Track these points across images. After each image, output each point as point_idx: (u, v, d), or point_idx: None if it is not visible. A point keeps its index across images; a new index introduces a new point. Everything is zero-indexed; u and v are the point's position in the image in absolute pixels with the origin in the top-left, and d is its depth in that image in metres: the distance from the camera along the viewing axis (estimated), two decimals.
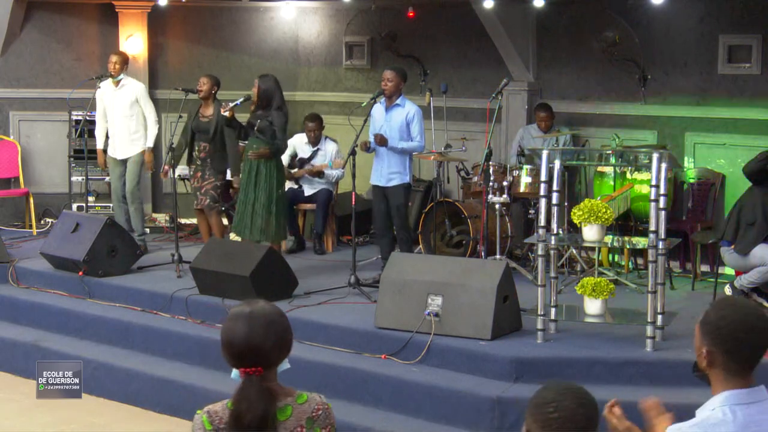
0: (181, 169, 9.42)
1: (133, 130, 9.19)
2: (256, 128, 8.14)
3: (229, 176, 9.04)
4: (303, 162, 9.57)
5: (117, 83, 9.17)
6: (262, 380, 2.83)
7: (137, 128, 9.20)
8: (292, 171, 9.52)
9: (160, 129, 9.46)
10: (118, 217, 9.24)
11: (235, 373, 2.87)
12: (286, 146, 8.57)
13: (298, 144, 9.68)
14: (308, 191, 9.55)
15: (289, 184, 9.31)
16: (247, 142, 8.36)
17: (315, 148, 9.59)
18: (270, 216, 8.12)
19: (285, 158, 9.09)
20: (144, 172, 9.37)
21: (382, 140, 7.94)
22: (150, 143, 9.22)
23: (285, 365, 2.93)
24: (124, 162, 9.22)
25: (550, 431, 2.45)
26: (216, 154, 8.64)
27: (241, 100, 8.28)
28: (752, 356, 2.72)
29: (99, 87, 9.33)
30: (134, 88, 9.23)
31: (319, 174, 9.48)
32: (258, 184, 8.10)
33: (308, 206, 9.59)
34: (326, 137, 9.70)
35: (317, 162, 9.52)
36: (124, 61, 9.23)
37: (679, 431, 2.70)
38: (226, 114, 8.11)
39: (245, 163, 8.22)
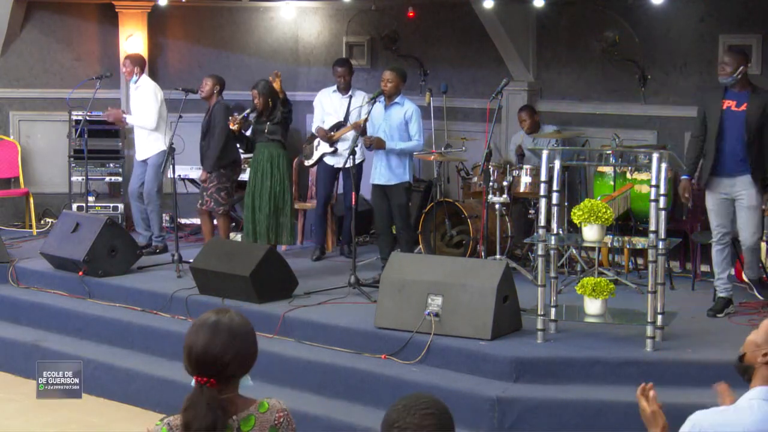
0: (182, 170, 9.42)
1: (149, 131, 9.21)
2: (267, 132, 8.16)
3: (199, 172, 8.85)
4: (339, 126, 8.83)
5: (135, 85, 9.25)
6: (218, 392, 2.80)
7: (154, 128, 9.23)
8: (332, 133, 8.76)
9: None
10: (134, 216, 9.36)
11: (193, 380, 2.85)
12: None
13: (325, 99, 9.07)
14: (336, 161, 8.91)
15: (321, 150, 8.88)
16: (254, 151, 8.33)
17: (348, 95, 9.03)
18: (285, 218, 8.14)
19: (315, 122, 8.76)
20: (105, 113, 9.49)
21: (379, 143, 7.94)
22: (129, 121, 9.33)
23: (247, 381, 2.88)
24: (144, 163, 9.24)
25: None
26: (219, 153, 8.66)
27: (248, 112, 8.27)
28: None
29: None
30: (145, 88, 9.27)
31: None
32: (270, 188, 8.09)
33: (307, 205, 9.59)
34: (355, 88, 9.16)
35: (353, 118, 8.77)
36: (134, 62, 9.27)
37: (708, 412, 2.91)
38: (234, 128, 8.13)
39: (256, 166, 8.20)
